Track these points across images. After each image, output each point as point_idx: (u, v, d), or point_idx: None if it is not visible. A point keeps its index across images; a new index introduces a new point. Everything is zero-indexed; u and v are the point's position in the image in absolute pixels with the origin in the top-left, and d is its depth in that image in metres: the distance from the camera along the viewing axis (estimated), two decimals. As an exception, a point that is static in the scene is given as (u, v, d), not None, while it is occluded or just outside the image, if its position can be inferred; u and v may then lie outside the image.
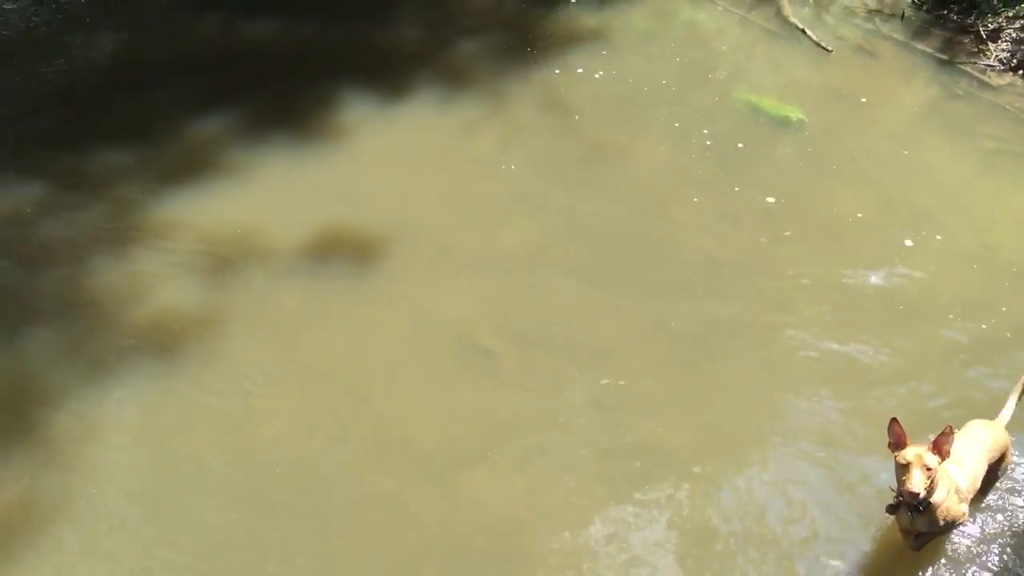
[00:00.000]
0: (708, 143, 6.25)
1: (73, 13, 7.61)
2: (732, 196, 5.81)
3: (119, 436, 4.44)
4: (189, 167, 6.04)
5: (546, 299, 5.17)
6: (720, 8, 7.76)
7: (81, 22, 7.47)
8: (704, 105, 6.69)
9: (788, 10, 7.55)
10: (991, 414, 3.96)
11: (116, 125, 6.37)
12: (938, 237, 5.47)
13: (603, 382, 4.64)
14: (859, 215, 5.64)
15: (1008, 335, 4.82)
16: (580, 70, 6.97)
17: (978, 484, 3.75)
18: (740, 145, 6.23)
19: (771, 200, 5.73)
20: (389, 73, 6.91)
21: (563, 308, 5.11)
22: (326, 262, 5.43)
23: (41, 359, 4.82)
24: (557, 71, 6.97)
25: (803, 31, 7.28)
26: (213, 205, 5.75)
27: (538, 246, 5.52)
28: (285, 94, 6.74)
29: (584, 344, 4.89)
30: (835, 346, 4.79)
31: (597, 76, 6.91)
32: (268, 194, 5.90)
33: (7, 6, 7.49)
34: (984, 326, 4.89)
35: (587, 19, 7.57)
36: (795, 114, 6.40)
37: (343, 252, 5.51)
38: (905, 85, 6.94)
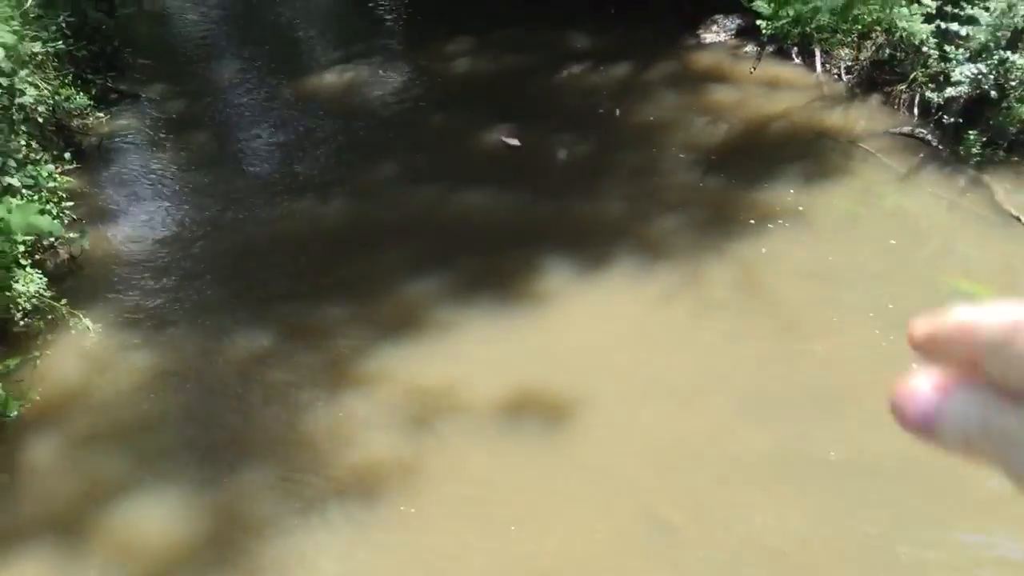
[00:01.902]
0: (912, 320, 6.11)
1: (309, 178, 8.55)
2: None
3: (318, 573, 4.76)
4: (400, 324, 6.53)
5: (730, 480, 5.14)
6: (928, 192, 7.70)
7: (316, 187, 8.35)
8: (908, 289, 6.57)
9: (1002, 196, 7.38)
10: None
11: (340, 282, 7.01)
12: None
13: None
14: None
15: None
16: (779, 248, 7.05)
17: None
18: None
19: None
20: (589, 243, 7.25)
21: (746, 492, 5.07)
22: (518, 422, 5.67)
23: (254, 493, 5.27)
24: (755, 248, 7.08)
25: (1019, 219, 7.08)
26: (418, 360, 6.17)
27: (726, 424, 5.53)
28: (491, 259, 7.19)
29: (764, 531, 4.80)
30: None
31: (796, 255, 6.97)
32: (468, 353, 6.28)
33: (247, 181, 8.51)
34: None
35: (789, 197, 7.68)
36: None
37: (534, 413, 5.74)
38: None
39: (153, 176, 8.62)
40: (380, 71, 10.59)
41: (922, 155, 8.14)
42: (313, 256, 7.41)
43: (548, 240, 7.31)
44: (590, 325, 6.43)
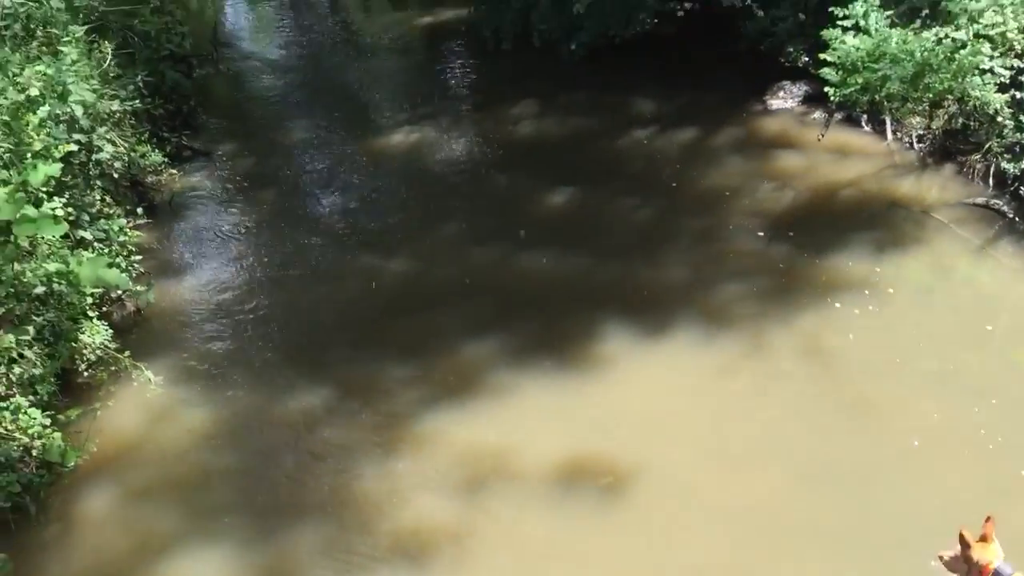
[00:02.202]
0: (985, 405, 5.87)
1: (372, 238, 8.62)
2: (1012, 468, 5.37)
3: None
4: (457, 385, 6.49)
5: (789, 553, 4.95)
6: (1005, 265, 7.45)
7: (379, 247, 8.41)
8: (982, 366, 6.33)
9: (1081, 271, 7.11)
10: None
11: (399, 341, 7.01)
12: None
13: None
14: None
15: None
16: (847, 318, 6.86)
17: None
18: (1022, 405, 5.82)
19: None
20: (651, 309, 7.15)
21: (805, 566, 4.87)
22: (572, 490, 5.56)
23: (301, 556, 5.22)
24: (821, 318, 6.90)
25: (1100, 295, 6.80)
26: (473, 423, 6.11)
27: (786, 498, 5.36)
28: (552, 322, 7.13)
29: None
30: None
31: (864, 326, 6.77)
32: (524, 417, 6.19)
33: (312, 240, 8.62)
34: None
35: (858, 267, 7.49)
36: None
37: (589, 482, 5.63)
38: None
39: (221, 232, 8.78)
40: (446, 133, 10.73)
41: (998, 227, 7.89)
42: (374, 314, 7.44)
43: (609, 304, 7.23)
44: (649, 393, 6.31)
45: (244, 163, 10.33)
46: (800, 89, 10.73)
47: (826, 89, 8.46)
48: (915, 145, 9.28)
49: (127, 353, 6.47)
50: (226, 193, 9.54)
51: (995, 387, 6.05)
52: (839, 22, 8.41)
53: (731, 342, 6.73)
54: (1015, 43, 8.07)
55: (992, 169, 8.36)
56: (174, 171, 9.71)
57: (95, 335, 6.39)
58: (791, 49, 11.28)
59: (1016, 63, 8.00)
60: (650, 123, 10.69)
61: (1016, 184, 8.00)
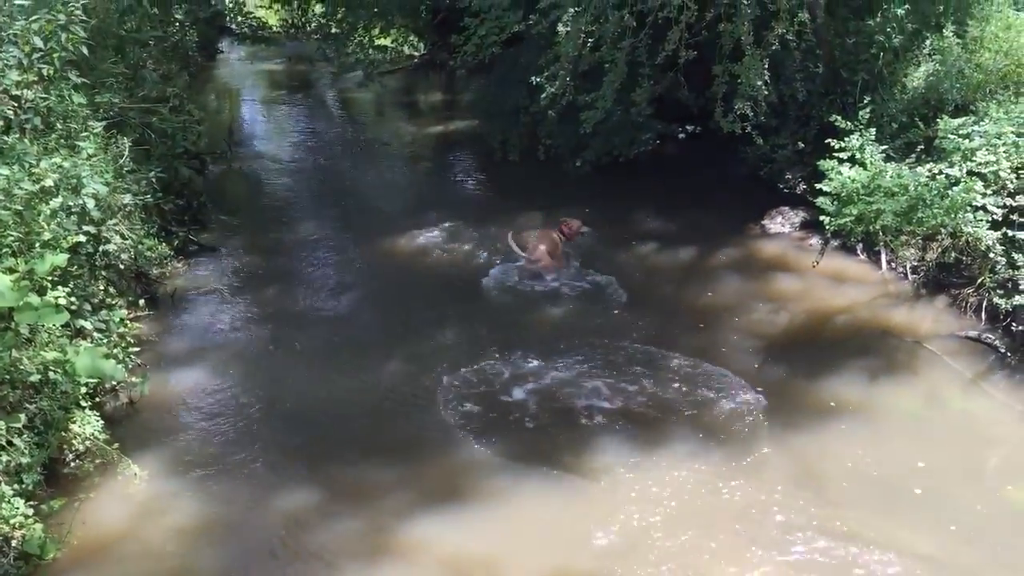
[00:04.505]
0: (976, 544, 5.83)
1: (370, 340, 8.69)
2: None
3: None
4: (446, 491, 6.44)
5: None
6: (997, 400, 7.48)
7: (376, 349, 8.46)
8: (973, 501, 6.30)
9: (1075, 409, 7.14)
10: None
11: (391, 445, 6.99)
12: None
13: None
14: None
15: None
16: (839, 446, 6.86)
17: None
18: (1013, 547, 5.77)
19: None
20: (644, 423, 7.16)
21: None
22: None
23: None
24: (814, 442, 6.91)
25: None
26: (461, 531, 6.05)
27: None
28: (545, 432, 7.14)
29: None
30: None
31: (855, 454, 6.76)
32: (513, 527, 6.13)
33: (310, 341, 8.69)
34: None
35: (851, 393, 7.53)
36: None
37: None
38: None
39: (221, 328, 8.84)
40: (451, 241, 10.90)
41: (990, 360, 7.96)
42: (367, 416, 7.43)
43: (605, 418, 7.25)
44: (640, 508, 6.24)
45: (249, 260, 10.48)
46: (798, 215, 11.00)
47: (821, 218, 8.67)
48: (909, 276, 9.44)
49: (116, 445, 6.46)
50: (229, 289, 9.64)
51: (985, 526, 6.02)
52: (835, 153, 8.69)
53: (724, 460, 6.72)
54: (1008, 182, 8.30)
55: (985, 303, 8.48)
56: (179, 264, 9.86)
57: (86, 426, 6.38)
58: (789, 176, 11.65)
59: (1008, 201, 8.21)
60: (650, 240, 10.91)
61: (1008, 320, 8.10)
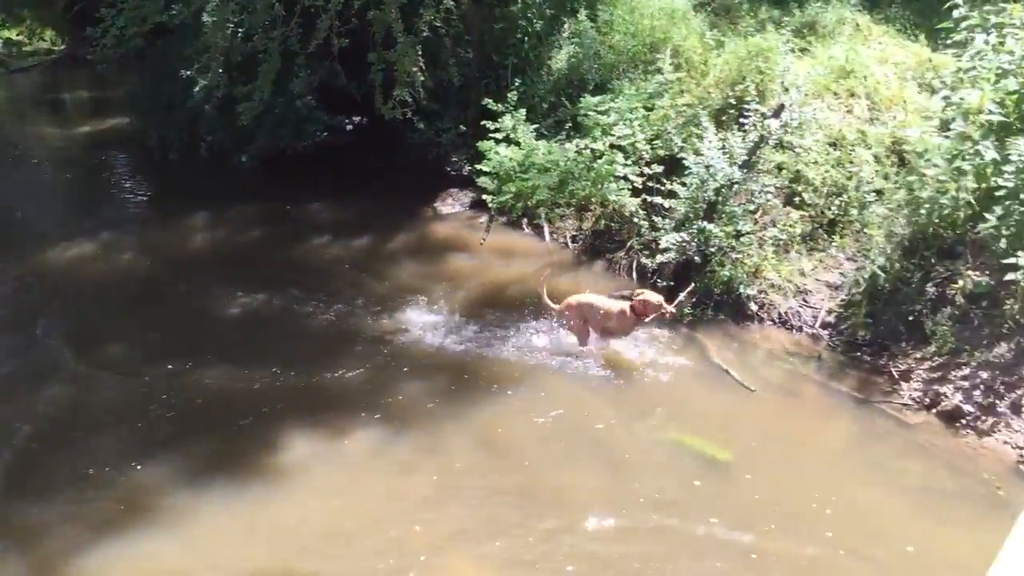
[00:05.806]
0: (643, 480, 6.39)
1: (27, 361, 7.91)
2: (662, 531, 5.87)
3: None
4: (125, 516, 6.03)
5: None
6: (653, 349, 8.17)
7: (34, 371, 7.74)
8: (641, 444, 6.88)
9: (713, 352, 8.02)
10: None
11: (59, 476, 6.45)
12: None
13: None
14: (786, 553, 5.68)
15: None
16: (519, 410, 7.21)
17: None
18: (671, 483, 6.39)
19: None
20: (331, 414, 7.12)
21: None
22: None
23: None
24: (496, 412, 7.21)
25: (728, 372, 7.68)
26: (142, 554, 5.70)
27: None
28: (228, 437, 6.88)
29: None
30: None
31: (536, 416, 7.13)
32: (203, 540, 5.87)
33: None
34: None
35: (525, 358, 7.94)
36: (721, 454, 6.61)
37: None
38: (827, 423, 7.24)
39: None
40: (113, 248, 10.20)
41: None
42: (24, 451, 6.77)
43: (289, 413, 7.12)
44: (332, 499, 6.23)
45: None
46: (467, 196, 11.45)
47: (484, 196, 9.08)
48: (570, 245, 10.15)
49: None
50: None
51: (650, 466, 6.60)
52: (491, 134, 9.12)
53: (411, 442, 6.84)
54: (644, 153, 9.16)
55: (635, 264, 9.32)
56: None
57: None
58: (455, 159, 12.06)
59: (645, 170, 9.05)
60: (325, 231, 10.85)
61: (655, 277, 8.93)
